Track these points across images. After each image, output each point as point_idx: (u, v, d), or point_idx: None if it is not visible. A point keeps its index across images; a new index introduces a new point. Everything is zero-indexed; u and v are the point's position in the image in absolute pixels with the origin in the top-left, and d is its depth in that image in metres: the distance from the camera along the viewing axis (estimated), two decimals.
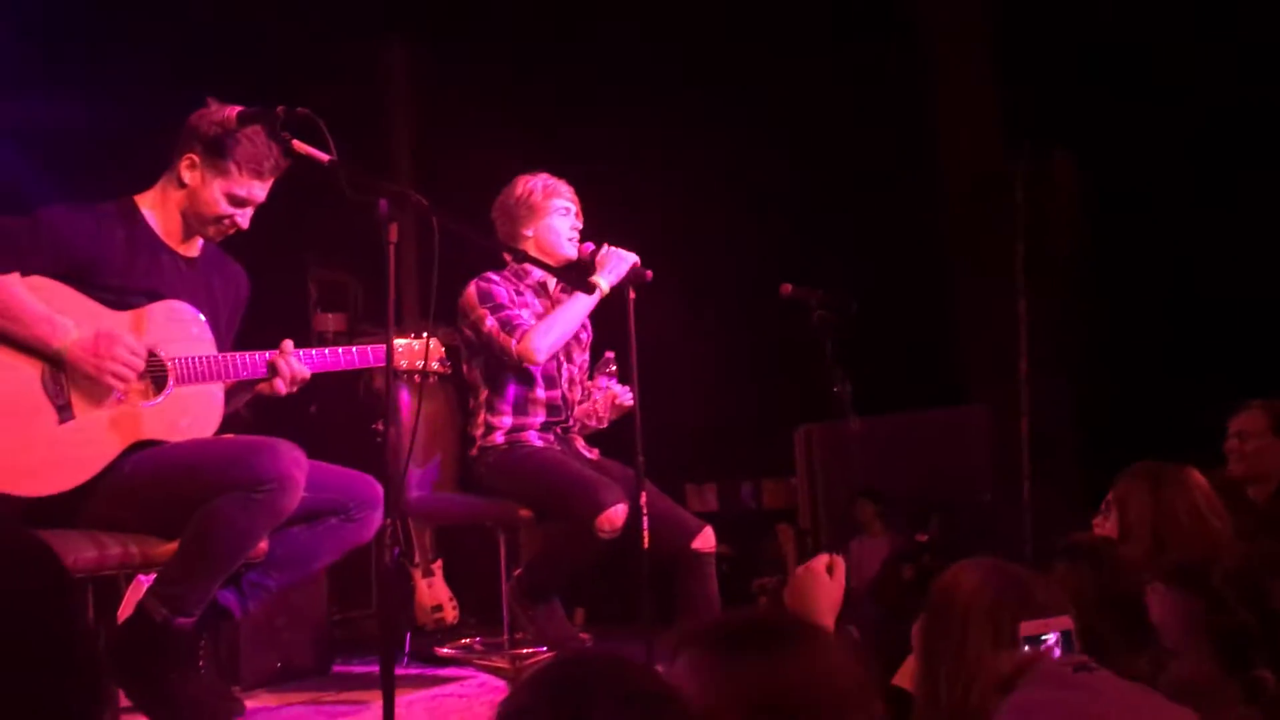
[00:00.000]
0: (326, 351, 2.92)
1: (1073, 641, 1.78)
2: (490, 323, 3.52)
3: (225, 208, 2.81)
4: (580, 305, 3.52)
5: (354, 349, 2.93)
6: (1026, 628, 1.76)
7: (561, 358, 3.70)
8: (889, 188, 5.69)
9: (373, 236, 2.55)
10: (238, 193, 2.80)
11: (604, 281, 3.46)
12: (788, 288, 4.08)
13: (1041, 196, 5.08)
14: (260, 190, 2.83)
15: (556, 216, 3.63)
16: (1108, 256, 5.12)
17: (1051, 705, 1.59)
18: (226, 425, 2.89)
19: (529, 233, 3.63)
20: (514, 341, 3.47)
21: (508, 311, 3.54)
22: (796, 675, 1.28)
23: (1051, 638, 1.78)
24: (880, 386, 4.69)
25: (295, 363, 2.82)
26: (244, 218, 2.84)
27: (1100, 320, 5.07)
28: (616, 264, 3.48)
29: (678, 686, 1.31)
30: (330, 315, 5.98)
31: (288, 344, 2.84)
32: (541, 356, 3.49)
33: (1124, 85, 5.15)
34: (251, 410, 3.28)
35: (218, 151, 2.77)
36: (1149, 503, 2.73)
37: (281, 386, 2.82)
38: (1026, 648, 1.77)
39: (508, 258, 3.68)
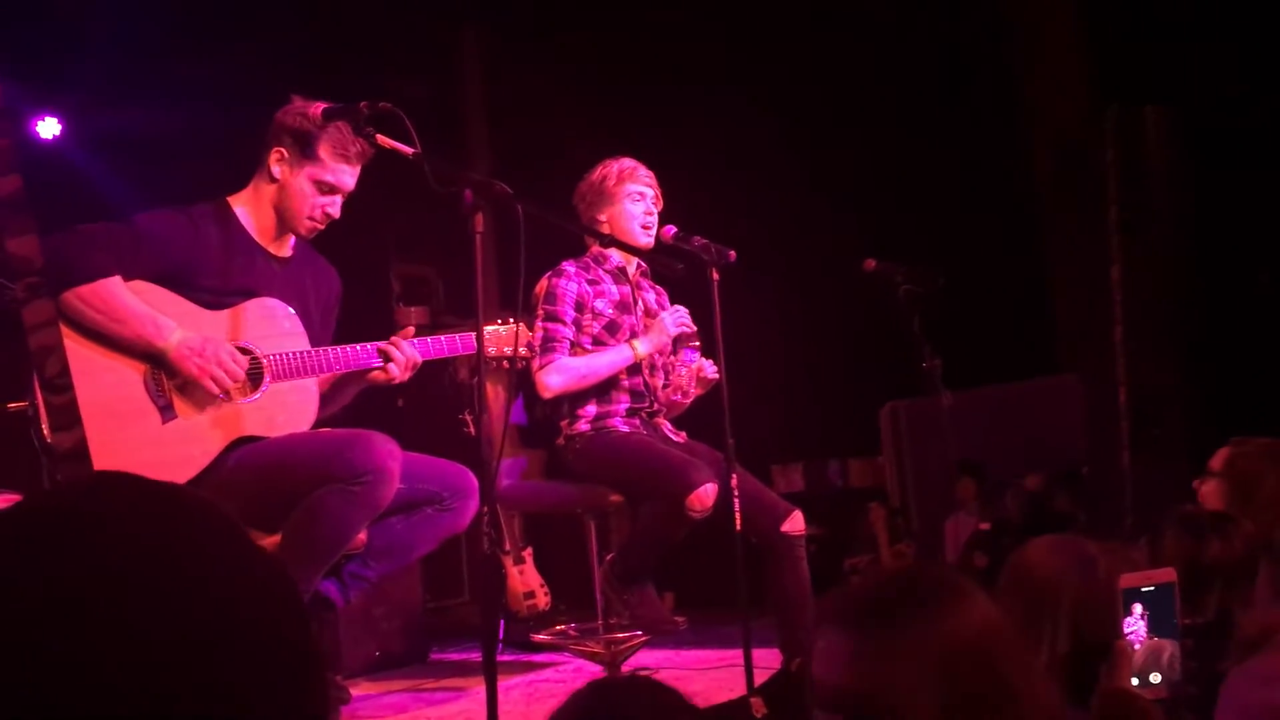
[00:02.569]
0: (428, 340, 2.96)
1: (1173, 598, 1.76)
2: (538, 327, 3.56)
3: (315, 196, 2.86)
4: (614, 358, 3.59)
5: (443, 338, 2.96)
6: (1127, 580, 1.75)
7: None
8: (976, 155, 5.58)
9: (453, 229, 2.57)
10: (326, 179, 2.85)
11: (641, 348, 3.59)
12: (871, 263, 4.03)
13: (1134, 155, 4.93)
14: (349, 176, 2.88)
15: (629, 202, 3.62)
16: (1207, 216, 4.96)
17: None
18: (331, 419, 2.95)
19: (603, 218, 3.63)
20: (537, 363, 3.52)
21: (557, 326, 3.58)
22: (964, 627, 1.23)
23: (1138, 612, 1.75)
24: (971, 359, 4.61)
25: (408, 347, 2.87)
26: (334, 206, 2.90)
27: (1201, 283, 4.92)
28: (658, 335, 3.61)
29: (825, 679, 1.25)
30: (413, 309, 6.06)
31: (409, 330, 2.91)
32: (549, 394, 3.54)
33: (1218, 35, 4.97)
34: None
35: (304, 142, 2.83)
36: (1276, 484, 2.65)
37: (396, 371, 2.86)
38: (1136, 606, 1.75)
39: (590, 242, 3.69)
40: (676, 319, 3.62)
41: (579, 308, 3.60)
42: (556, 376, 3.53)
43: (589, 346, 3.63)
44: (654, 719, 1.02)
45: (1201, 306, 4.88)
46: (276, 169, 2.87)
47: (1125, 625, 1.76)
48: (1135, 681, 1.74)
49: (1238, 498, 2.66)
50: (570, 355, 3.58)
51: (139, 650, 0.64)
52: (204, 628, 0.66)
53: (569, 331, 3.59)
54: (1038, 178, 5.59)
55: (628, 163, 3.66)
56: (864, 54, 5.67)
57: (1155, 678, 1.78)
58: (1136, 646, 1.76)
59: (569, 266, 3.65)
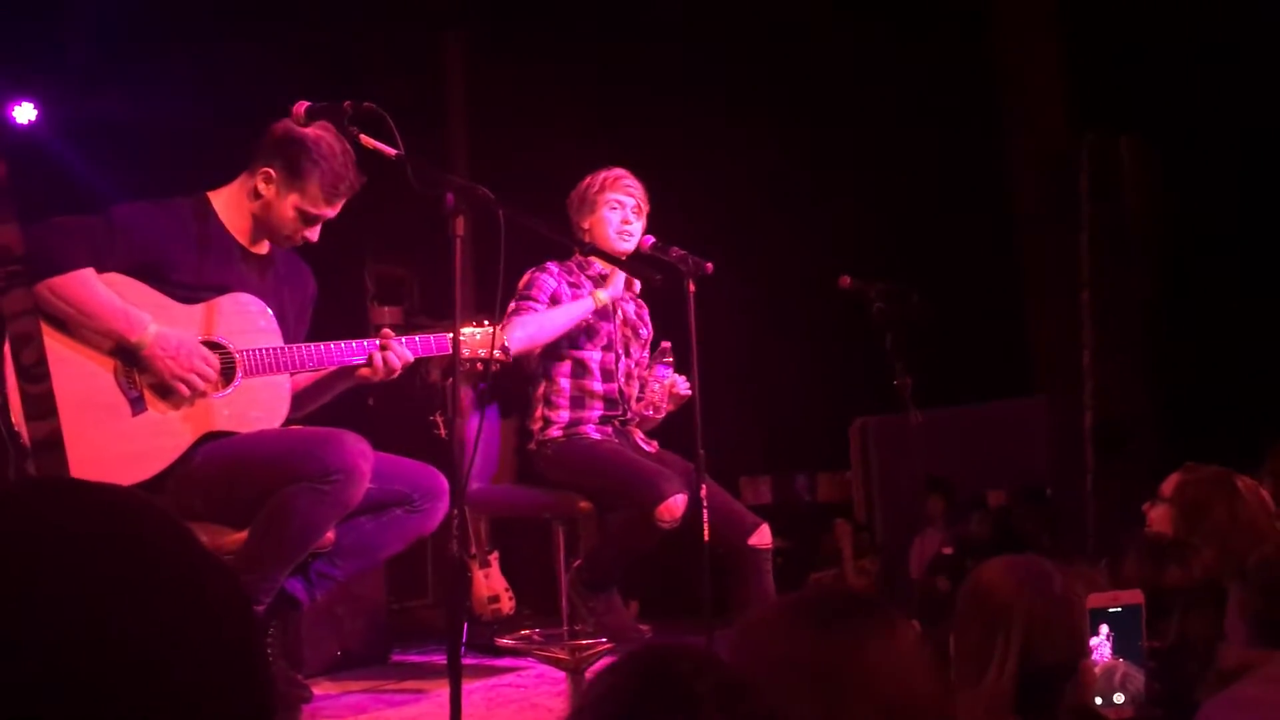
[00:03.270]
0: (403, 340, 2.95)
1: (1139, 619, 1.77)
2: (510, 306, 3.58)
3: (296, 224, 2.85)
4: (574, 309, 3.60)
5: (417, 338, 2.95)
6: (1094, 600, 1.76)
7: (620, 351, 3.72)
8: (952, 178, 5.63)
9: (429, 231, 2.57)
10: (310, 211, 2.85)
11: (603, 295, 3.60)
12: (846, 280, 4.06)
13: (1108, 182, 4.99)
14: (332, 212, 2.87)
15: (607, 210, 3.66)
16: (1178, 243, 5.02)
17: (1272, 704, 1.53)
18: (305, 419, 2.93)
19: (586, 225, 3.69)
20: (501, 327, 3.51)
21: (530, 302, 3.59)
22: (870, 658, 1.25)
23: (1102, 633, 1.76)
24: (941, 379, 4.65)
25: (399, 345, 2.85)
26: (314, 233, 2.89)
27: (1169, 310, 4.98)
28: (618, 283, 3.63)
29: (739, 653, 1.30)
30: (386, 308, 6.04)
31: (387, 331, 2.89)
32: (512, 345, 3.46)
33: (1193, 66, 5.04)
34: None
35: (296, 171, 2.81)
36: (1224, 513, 2.69)
37: (380, 372, 2.85)
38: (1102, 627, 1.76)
39: (577, 250, 3.72)
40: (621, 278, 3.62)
41: (553, 301, 3.63)
42: (517, 331, 3.48)
43: (565, 351, 3.65)
44: (711, 685, 1.01)
45: (1170, 333, 4.94)
46: (262, 187, 2.85)
47: (1091, 645, 1.78)
48: (1099, 701, 1.76)
49: (1185, 524, 2.70)
50: (555, 348, 3.61)
51: (71, 652, 0.63)
52: (145, 628, 0.65)
53: (538, 305, 3.60)
54: (1016, 201, 5.64)
55: (614, 172, 3.70)
56: (847, 72, 5.70)
57: (1119, 698, 1.80)
58: (1099, 665, 1.78)
59: (553, 265, 3.69)
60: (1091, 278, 4.91)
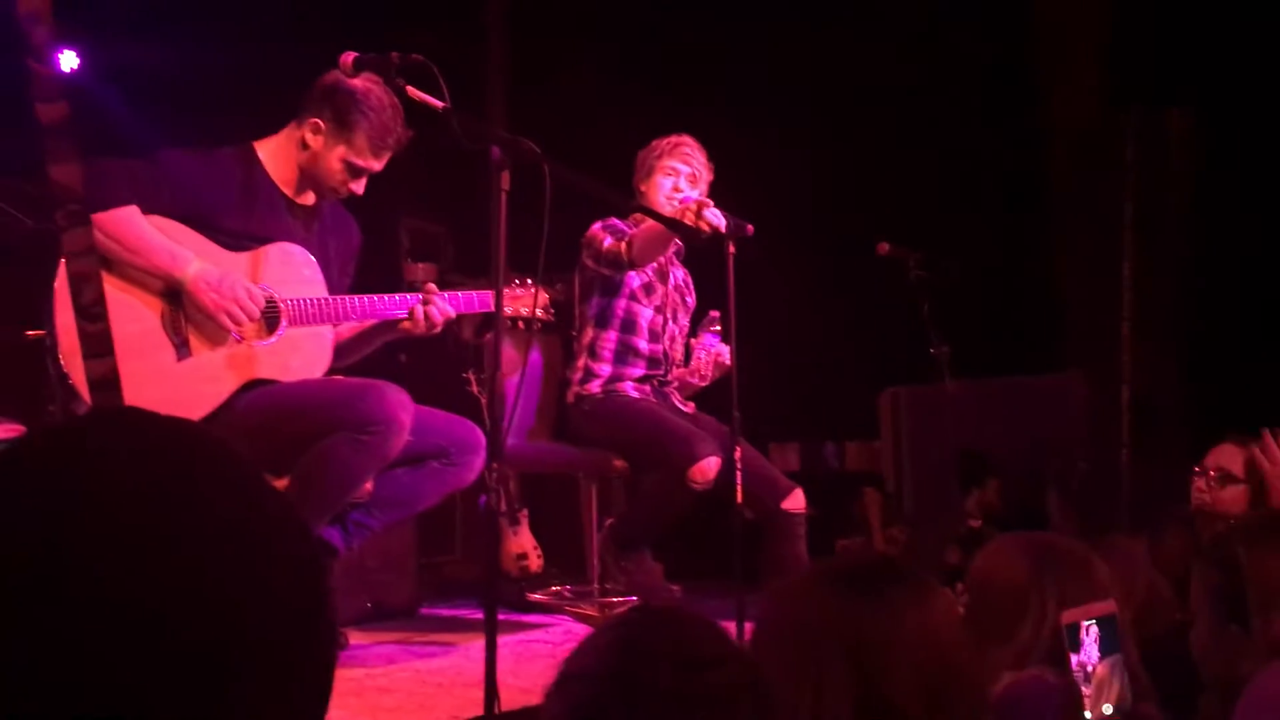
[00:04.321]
0: (447, 295, 2.96)
1: (1115, 627, 1.73)
2: (609, 242, 3.59)
3: (343, 176, 2.85)
4: (663, 233, 3.53)
5: (459, 294, 2.96)
6: (1067, 616, 1.71)
7: (667, 315, 3.76)
8: (995, 146, 5.57)
9: (464, 186, 2.56)
10: (357, 163, 2.85)
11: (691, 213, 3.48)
12: (885, 246, 4.04)
13: (1153, 156, 4.94)
14: (379, 165, 2.87)
15: (661, 176, 3.70)
16: (1220, 219, 4.96)
17: None
18: (344, 371, 2.95)
19: (642, 189, 3.73)
20: (612, 244, 3.55)
21: (619, 230, 3.62)
22: (906, 626, 1.26)
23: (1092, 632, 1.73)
24: (978, 349, 4.62)
25: (441, 300, 2.87)
26: (360, 186, 2.90)
27: (1211, 285, 4.92)
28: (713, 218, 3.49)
29: (772, 617, 1.31)
30: (420, 265, 6.04)
31: (431, 286, 2.92)
32: (633, 254, 3.53)
33: (1245, 38, 4.96)
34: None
35: (344, 123, 2.81)
36: None
37: (427, 322, 2.86)
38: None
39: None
40: (715, 213, 3.40)
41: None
42: (639, 242, 3.51)
43: (622, 303, 3.67)
44: (682, 660, 1.02)
45: (1211, 309, 4.89)
46: (310, 138, 2.85)
47: (1073, 660, 1.73)
48: (1089, 716, 1.73)
49: (1263, 500, 2.65)
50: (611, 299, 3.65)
51: (141, 587, 0.63)
52: (215, 564, 0.65)
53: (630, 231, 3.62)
54: (1057, 173, 5.59)
55: (676, 139, 3.74)
56: (890, 41, 5.64)
57: (1107, 709, 1.76)
58: (1090, 671, 1.74)
59: (615, 220, 3.71)
60: (1134, 251, 4.87)
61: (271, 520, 0.70)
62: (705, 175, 3.72)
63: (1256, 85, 4.94)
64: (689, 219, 3.29)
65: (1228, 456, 2.78)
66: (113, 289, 2.63)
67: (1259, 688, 1.51)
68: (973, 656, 1.36)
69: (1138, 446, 4.80)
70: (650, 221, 3.50)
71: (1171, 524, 2.44)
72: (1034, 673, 1.63)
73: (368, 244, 3.35)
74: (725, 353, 3.66)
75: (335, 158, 2.84)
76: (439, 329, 2.90)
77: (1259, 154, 4.93)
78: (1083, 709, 1.70)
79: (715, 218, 3.30)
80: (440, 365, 5.13)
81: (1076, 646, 1.72)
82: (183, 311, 2.70)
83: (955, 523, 4.90)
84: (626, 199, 3.59)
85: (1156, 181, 4.91)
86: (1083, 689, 1.70)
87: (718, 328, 3.71)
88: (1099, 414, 5.00)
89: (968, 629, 1.73)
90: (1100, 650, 1.75)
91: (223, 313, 2.67)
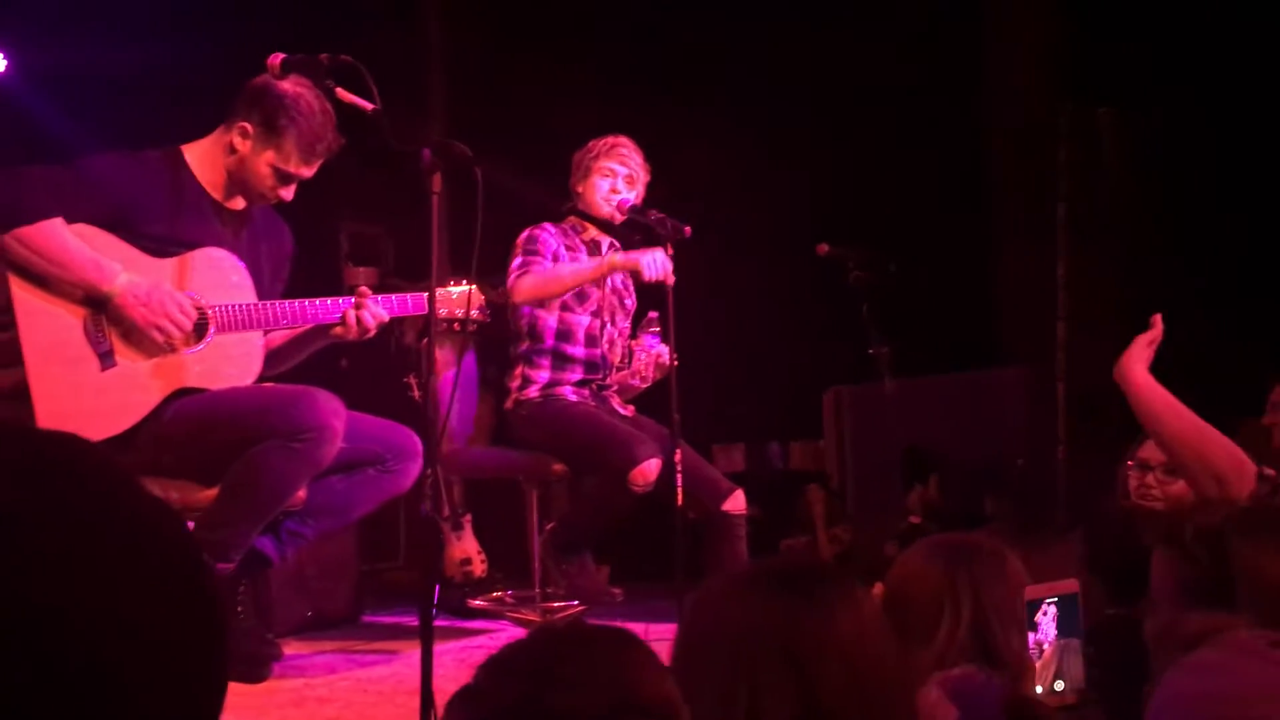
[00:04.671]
0: (379, 299, 2.92)
1: (1077, 607, 1.75)
2: (516, 263, 3.56)
3: (271, 182, 2.80)
4: (583, 268, 3.58)
5: (394, 297, 2.92)
6: (1030, 592, 1.73)
7: (605, 319, 3.74)
8: (931, 146, 5.61)
9: (405, 189, 2.53)
10: (286, 169, 2.79)
11: (619, 258, 3.54)
12: (824, 247, 4.05)
13: (1085, 155, 5.00)
14: (308, 172, 2.82)
15: (599, 177, 3.67)
16: (1153, 217, 5.03)
17: (1229, 670, 1.49)
18: (276, 378, 2.90)
19: (579, 190, 3.70)
20: (514, 271, 3.55)
21: (536, 257, 3.59)
22: (839, 626, 1.26)
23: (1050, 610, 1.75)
24: (916, 348, 4.65)
25: (374, 304, 2.82)
26: (289, 192, 2.84)
27: (1145, 283, 4.99)
28: (638, 256, 3.45)
29: (699, 620, 1.31)
30: (361, 269, 5.97)
31: (364, 289, 2.87)
32: (518, 297, 3.55)
33: (1173, 40, 5.04)
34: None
35: (273, 128, 2.75)
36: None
37: (361, 326, 2.82)
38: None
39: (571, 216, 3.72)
40: (661, 262, 3.39)
41: (554, 259, 3.63)
42: (528, 278, 3.53)
43: (554, 311, 3.66)
44: (576, 682, 1.01)
45: (1146, 306, 4.95)
46: (238, 143, 2.79)
47: (1030, 637, 1.75)
48: (1040, 690, 1.74)
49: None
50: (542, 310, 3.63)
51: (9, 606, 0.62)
52: (84, 580, 0.64)
53: (547, 261, 3.60)
54: (992, 173, 5.64)
55: (613, 140, 3.71)
56: (826, 38, 5.67)
57: (1060, 685, 1.78)
58: (1045, 650, 1.76)
59: (549, 226, 3.69)
60: (1068, 249, 4.93)
61: (154, 535, 0.68)
62: (642, 176, 3.70)
63: (1190, 84, 5.03)
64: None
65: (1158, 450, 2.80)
66: (35, 298, 2.57)
67: (1167, 687, 1.51)
68: (899, 653, 1.36)
69: (1074, 443, 4.86)
70: (556, 269, 3.53)
71: (1106, 518, 2.45)
72: (959, 672, 1.64)
73: (307, 248, 3.30)
74: (665, 353, 3.65)
75: (263, 163, 2.78)
76: (372, 333, 2.86)
77: (1193, 151, 5.02)
78: (1033, 684, 1.72)
79: (654, 269, 3.36)
80: (382, 370, 5.08)
81: (1034, 626, 1.74)
82: (105, 318, 2.63)
83: (896, 519, 4.94)
84: (561, 202, 3.57)
85: (1089, 180, 4.98)
86: (1035, 665, 1.73)
87: (657, 329, 3.71)
88: (1036, 411, 5.06)
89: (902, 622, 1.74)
90: (1058, 630, 1.77)
91: (153, 328, 2.62)
